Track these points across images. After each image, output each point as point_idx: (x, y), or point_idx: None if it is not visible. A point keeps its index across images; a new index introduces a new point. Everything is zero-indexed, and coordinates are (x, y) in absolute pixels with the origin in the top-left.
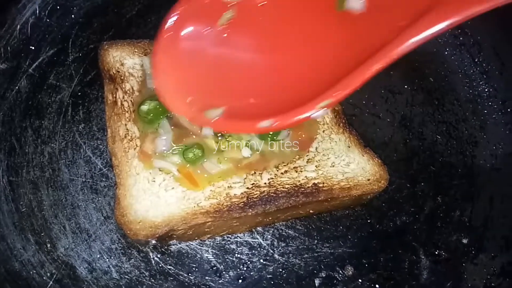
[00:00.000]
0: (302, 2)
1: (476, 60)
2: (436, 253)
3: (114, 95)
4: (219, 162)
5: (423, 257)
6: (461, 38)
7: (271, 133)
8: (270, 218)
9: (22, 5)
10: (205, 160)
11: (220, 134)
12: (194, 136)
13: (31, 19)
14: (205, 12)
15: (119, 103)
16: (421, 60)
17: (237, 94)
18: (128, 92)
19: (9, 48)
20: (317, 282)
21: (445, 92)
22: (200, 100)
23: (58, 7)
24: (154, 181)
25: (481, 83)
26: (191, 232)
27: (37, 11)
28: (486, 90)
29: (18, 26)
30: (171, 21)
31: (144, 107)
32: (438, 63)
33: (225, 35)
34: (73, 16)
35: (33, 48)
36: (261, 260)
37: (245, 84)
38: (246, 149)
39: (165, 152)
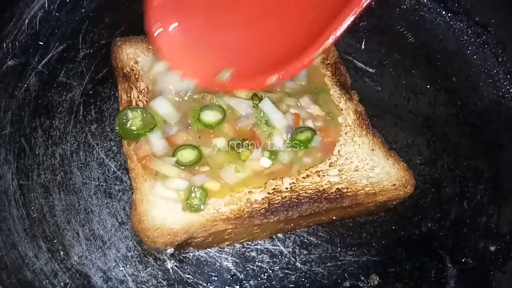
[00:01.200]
0: None
1: (499, 59)
2: (463, 260)
3: (129, 95)
4: (236, 171)
5: (449, 265)
6: (484, 37)
7: (303, 140)
8: (291, 224)
9: None
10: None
11: (239, 143)
12: (185, 138)
13: (40, 13)
14: None
15: (133, 103)
16: (443, 59)
17: (241, 54)
18: (143, 91)
19: (17, 43)
20: None
21: (469, 93)
22: (210, 65)
23: (67, 1)
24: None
25: (505, 83)
26: (210, 240)
27: (46, 5)
28: (511, 90)
29: (27, 21)
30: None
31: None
32: (460, 63)
33: None
34: (83, 10)
35: (42, 43)
36: (283, 269)
37: (247, 43)
38: (265, 160)
39: (162, 153)
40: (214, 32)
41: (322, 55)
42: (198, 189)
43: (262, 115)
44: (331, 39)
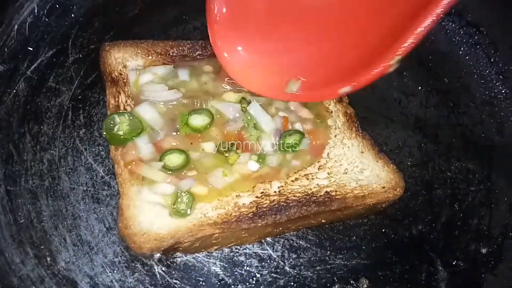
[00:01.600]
0: None
1: (492, 60)
2: (454, 263)
3: (117, 99)
4: (224, 175)
5: (440, 268)
6: (476, 38)
7: (291, 143)
8: (280, 228)
9: (19, 4)
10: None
11: (227, 147)
12: (173, 143)
13: (29, 19)
14: None
15: (121, 107)
16: (434, 60)
17: (309, 64)
18: (131, 96)
19: (6, 49)
20: None
21: (460, 94)
22: (277, 78)
23: (57, 6)
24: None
25: (497, 84)
26: (197, 244)
27: (36, 10)
28: (503, 91)
29: (16, 26)
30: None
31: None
32: (452, 63)
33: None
34: (73, 15)
35: (31, 49)
36: (272, 273)
37: (315, 53)
38: (253, 163)
39: (149, 157)
40: (281, 45)
41: (399, 63)
42: (185, 194)
43: (250, 118)
44: (408, 44)
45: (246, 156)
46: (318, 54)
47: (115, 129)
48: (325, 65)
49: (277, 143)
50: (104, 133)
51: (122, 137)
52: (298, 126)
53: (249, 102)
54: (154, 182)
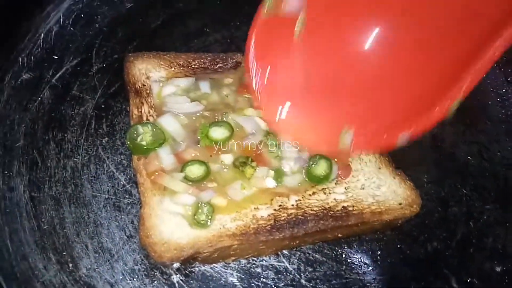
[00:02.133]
0: None
1: (509, 79)
2: (469, 281)
3: (140, 110)
4: (242, 188)
5: (455, 285)
6: None
7: (321, 176)
8: (297, 241)
9: (46, 14)
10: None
11: (243, 162)
12: (193, 154)
13: (55, 28)
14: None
15: (144, 118)
16: None
17: (362, 112)
18: (154, 106)
19: (32, 57)
20: None
21: (477, 111)
22: (327, 130)
23: (82, 16)
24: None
25: None
26: (216, 255)
27: (61, 20)
28: None
29: (42, 35)
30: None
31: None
32: None
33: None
34: (97, 25)
35: (56, 57)
36: (288, 286)
37: (368, 100)
38: (270, 180)
39: (171, 168)
40: (329, 99)
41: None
42: (205, 205)
43: (272, 137)
44: (465, 87)
45: (264, 170)
46: (368, 104)
47: (138, 139)
48: (377, 113)
49: (304, 173)
50: (128, 142)
51: (145, 147)
52: None
53: None
54: (176, 192)
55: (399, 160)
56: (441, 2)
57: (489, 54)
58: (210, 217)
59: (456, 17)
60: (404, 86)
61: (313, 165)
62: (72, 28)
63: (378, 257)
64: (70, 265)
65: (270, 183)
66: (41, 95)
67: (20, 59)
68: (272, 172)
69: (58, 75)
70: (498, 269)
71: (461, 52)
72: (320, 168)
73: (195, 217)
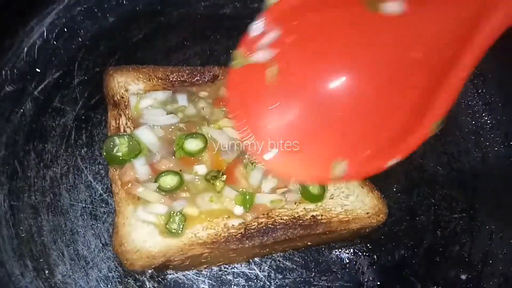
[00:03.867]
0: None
1: (479, 91)
2: None
3: (118, 121)
4: (210, 201)
5: None
6: None
7: (316, 195)
8: (267, 249)
9: (30, 28)
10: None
11: (214, 175)
12: (168, 165)
13: (39, 42)
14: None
15: (122, 129)
16: None
17: (350, 142)
18: (131, 118)
19: (15, 70)
20: None
21: (448, 123)
22: (319, 163)
23: (65, 30)
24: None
25: (483, 114)
26: (187, 263)
27: (45, 34)
28: (489, 122)
29: (25, 49)
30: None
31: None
32: None
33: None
34: (80, 39)
35: (39, 70)
36: None
37: (354, 130)
38: (238, 208)
39: (145, 178)
40: (317, 134)
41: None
42: (177, 214)
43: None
44: (446, 104)
45: (232, 192)
46: (356, 136)
47: (115, 150)
48: (366, 142)
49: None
50: (104, 153)
51: (120, 158)
52: None
53: None
54: (149, 202)
55: None
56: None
57: (459, 72)
58: (181, 226)
59: (420, 54)
60: (385, 118)
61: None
62: (55, 42)
63: (347, 265)
64: (46, 271)
65: (238, 210)
66: (23, 107)
67: (3, 72)
68: (240, 198)
69: (40, 87)
70: (463, 277)
71: (431, 78)
72: (315, 187)
73: (167, 226)
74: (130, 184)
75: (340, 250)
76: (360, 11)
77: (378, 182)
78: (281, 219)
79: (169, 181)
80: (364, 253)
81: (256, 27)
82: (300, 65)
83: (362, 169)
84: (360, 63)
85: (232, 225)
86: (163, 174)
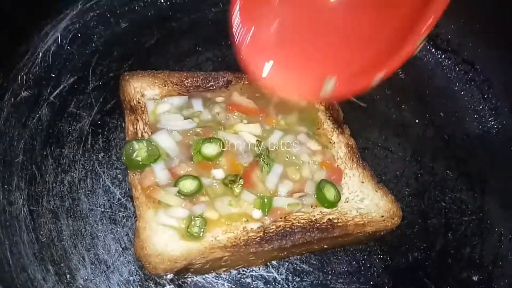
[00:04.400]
0: None
1: (486, 96)
2: None
3: (135, 126)
4: (229, 205)
5: None
6: (471, 74)
7: (332, 200)
8: (285, 252)
9: (44, 33)
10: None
11: (232, 180)
12: (187, 169)
13: (53, 47)
14: None
15: (139, 134)
16: (431, 95)
17: (338, 57)
18: (148, 123)
19: (31, 75)
20: None
21: (456, 127)
22: (311, 79)
23: (79, 35)
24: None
25: (490, 119)
26: (208, 266)
27: (59, 39)
28: (495, 126)
29: (40, 54)
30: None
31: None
32: (448, 98)
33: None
34: (93, 44)
35: (54, 76)
36: None
37: (342, 45)
38: (257, 211)
39: (165, 183)
40: (308, 51)
41: (425, 42)
42: (198, 218)
43: (266, 159)
44: (431, 21)
45: (250, 196)
46: (346, 50)
47: (134, 155)
48: (355, 58)
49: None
50: (124, 158)
51: (140, 162)
52: (306, 158)
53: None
54: (170, 206)
55: (381, 174)
56: None
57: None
58: (203, 229)
59: None
60: (374, 32)
61: (323, 189)
62: (69, 48)
63: (362, 267)
64: (68, 276)
65: (256, 214)
66: (39, 112)
67: (19, 77)
68: (258, 202)
69: (55, 92)
70: (474, 278)
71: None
72: (330, 193)
73: (188, 229)
74: (151, 188)
75: (355, 253)
76: None
77: (390, 185)
78: (299, 222)
79: (188, 185)
80: (379, 256)
81: None
82: None
83: (350, 85)
84: None
85: (251, 228)
86: (182, 179)
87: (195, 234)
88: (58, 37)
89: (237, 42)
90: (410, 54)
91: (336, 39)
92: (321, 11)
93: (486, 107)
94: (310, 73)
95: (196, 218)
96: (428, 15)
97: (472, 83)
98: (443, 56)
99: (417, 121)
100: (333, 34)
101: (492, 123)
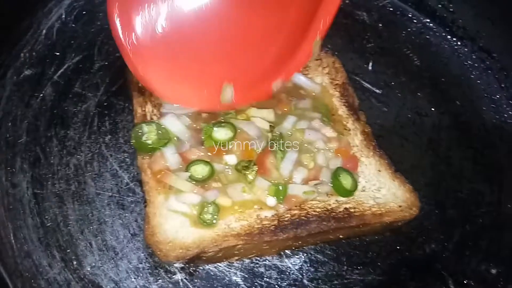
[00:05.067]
0: None
1: (502, 85)
2: (465, 282)
3: (144, 109)
4: (243, 191)
5: (452, 286)
6: (488, 63)
7: (348, 189)
8: (299, 242)
9: (48, 10)
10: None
11: (245, 166)
12: (198, 154)
13: (57, 24)
14: None
15: (148, 117)
16: (447, 83)
17: (236, 65)
18: (157, 105)
19: (34, 53)
20: None
21: (472, 117)
22: (207, 87)
23: (84, 12)
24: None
25: (507, 109)
26: (220, 254)
27: (63, 16)
28: None
29: (44, 31)
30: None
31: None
32: (464, 87)
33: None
34: (99, 22)
35: (58, 54)
36: (290, 285)
37: (238, 52)
38: (271, 199)
39: (176, 167)
40: (203, 59)
41: (320, 46)
42: (210, 205)
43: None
44: (323, 24)
45: (264, 182)
46: (240, 58)
47: (144, 138)
48: (251, 65)
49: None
50: (133, 141)
51: (150, 146)
52: (320, 144)
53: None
54: (181, 191)
55: (398, 162)
56: None
57: None
58: (216, 216)
59: None
60: (266, 38)
61: (339, 177)
62: (74, 25)
63: (378, 258)
64: (75, 262)
65: (271, 201)
66: (43, 92)
67: (22, 55)
68: (273, 189)
69: (60, 71)
70: (493, 271)
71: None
72: (347, 181)
73: (201, 216)
74: (161, 173)
75: (371, 243)
76: None
77: (406, 174)
78: (314, 211)
79: (200, 170)
80: (395, 247)
81: None
82: None
83: (248, 93)
84: None
85: (265, 216)
86: (194, 163)
87: (207, 221)
88: (63, 14)
89: (124, 50)
90: (307, 58)
91: (228, 46)
92: (209, 18)
93: (503, 96)
94: (206, 82)
95: (208, 205)
96: (319, 18)
97: (489, 71)
98: (459, 44)
99: (432, 109)
100: (225, 41)
101: (510, 112)
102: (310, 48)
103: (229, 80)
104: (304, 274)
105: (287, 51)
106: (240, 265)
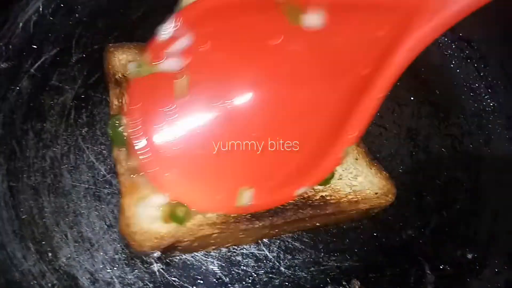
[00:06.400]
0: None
1: (482, 74)
2: (442, 267)
3: (120, 100)
4: None
5: (428, 272)
6: (467, 52)
7: (328, 177)
8: (276, 230)
9: (25, 2)
10: None
11: None
12: None
13: (34, 17)
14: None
15: (125, 109)
16: (427, 72)
17: (258, 168)
18: None
19: (10, 46)
20: None
21: (451, 105)
22: (223, 190)
23: (62, 5)
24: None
25: (486, 97)
26: (196, 244)
27: (41, 9)
28: (491, 104)
29: (21, 24)
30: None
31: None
32: (444, 76)
33: (197, 105)
34: (77, 15)
35: (35, 47)
36: (267, 273)
37: (257, 161)
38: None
39: None
40: (219, 161)
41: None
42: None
43: None
44: (355, 132)
45: None
46: (264, 162)
47: (120, 129)
48: (275, 170)
49: None
50: (110, 131)
51: (126, 137)
52: None
53: None
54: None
55: (375, 151)
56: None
57: (374, 93)
58: (188, 214)
59: (326, 73)
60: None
61: None
62: (51, 18)
63: (355, 245)
64: (50, 254)
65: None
66: (20, 85)
67: None
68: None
69: (37, 64)
70: (469, 256)
71: (344, 99)
72: None
73: (172, 216)
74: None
75: (348, 230)
76: (279, 22)
77: (384, 163)
78: None
79: None
80: (372, 234)
81: (166, 30)
82: (212, 78)
83: (269, 198)
84: (273, 82)
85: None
86: None
87: (180, 220)
88: (40, 7)
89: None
90: (335, 166)
91: (251, 152)
92: (235, 116)
93: (482, 85)
94: (222, 185)
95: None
96: (352, 124)
97: (468, 60)
98: None
99: (412, 98)
100: (248, 146)
101: (488, 101)
102: (340, 154)
103: (249, 183)
104: (281, 261)
105: (316, 154)
106: (217, 254)
